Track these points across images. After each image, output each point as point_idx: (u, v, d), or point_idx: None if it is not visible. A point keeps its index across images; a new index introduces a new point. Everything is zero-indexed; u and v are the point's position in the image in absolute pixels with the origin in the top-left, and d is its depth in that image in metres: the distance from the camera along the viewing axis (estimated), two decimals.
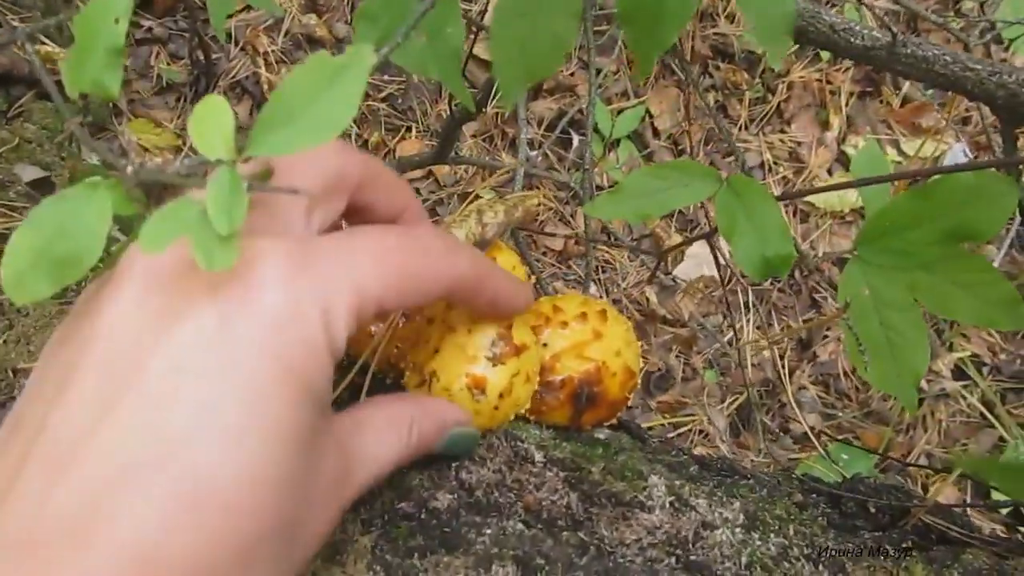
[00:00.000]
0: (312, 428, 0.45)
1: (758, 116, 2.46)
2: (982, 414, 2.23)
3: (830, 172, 2.44)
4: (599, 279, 2.19)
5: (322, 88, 0.46)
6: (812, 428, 2.03)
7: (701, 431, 2.03)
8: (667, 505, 0.65)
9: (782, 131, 2.47)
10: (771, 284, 2.30)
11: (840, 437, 2.10)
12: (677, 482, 0.68)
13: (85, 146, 0.47)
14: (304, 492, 0.46)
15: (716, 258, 0.88)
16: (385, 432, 0.57)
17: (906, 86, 2.50)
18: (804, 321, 2.28)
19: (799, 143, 2.46)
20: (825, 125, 2.48)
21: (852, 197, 2.34)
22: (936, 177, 0.65)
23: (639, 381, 0.76)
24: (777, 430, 2.12)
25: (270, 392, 0.42)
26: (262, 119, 0.46)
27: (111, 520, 0.38)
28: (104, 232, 0.46)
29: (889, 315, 0.69)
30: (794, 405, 1.73)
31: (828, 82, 2.52)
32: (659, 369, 2.10)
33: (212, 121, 0.46)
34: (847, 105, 2.49)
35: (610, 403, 0.74)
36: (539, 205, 0.75)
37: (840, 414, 2.17)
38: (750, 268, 0.68)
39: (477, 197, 0.73)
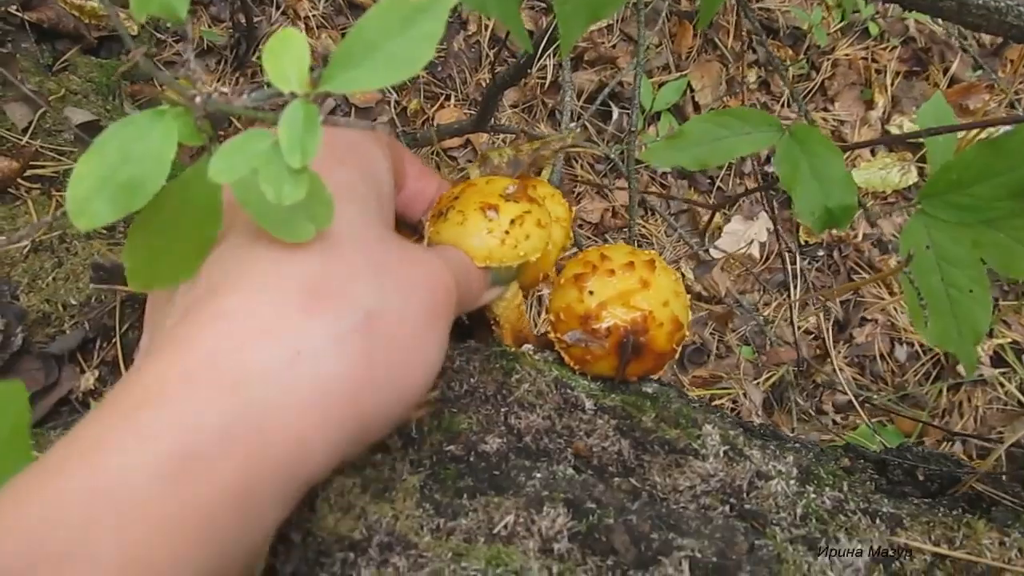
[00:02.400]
0: None
1: (801, 93, 2.42)
2: (1020, 402, 2.20)
3: (873, 152, 2.40)
4: None
5: (400, 27, 0.45)
6: (848, 403, 2.02)
7: (734, 408, 2.01)
8: (721, 454, 0.64)
9: (825, 109, 2.43)
10: (809, 263, 2.27)
11: (875, 419, 2.08)
12: (731, 432, 0.67)
13: (150, 71, 0.46)
14: None
15: (773, 212, 0.86)
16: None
17: (954, 66, 2.45)
18: (841, 302, 2.25)
19: (842, 121, 2.42)
20: (869, 104, 2.44)
21: (895, 177, 2.30)
22: (1007, 129, 0.64)
23: (687, 333, 0.75)
24: (812, 410, 2.10)
25: None
26: (338, 55, 0.45)
27: None
28: (169, 159, 0.46)
29: (951, 271, 0.68)
30: (838, 372, 1.70)
31: (874, 60, 2.47)
32: (694, 344, 2.08)
33: (287, 53, 0.45)
34: (893, 84, 2.45)
35: (657, 354, 0.73)
36: (572, 145, 0.74)
37: (875, 397, 2.14)
38: (811, 220, 0.66)
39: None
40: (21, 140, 0.93)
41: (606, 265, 0.72)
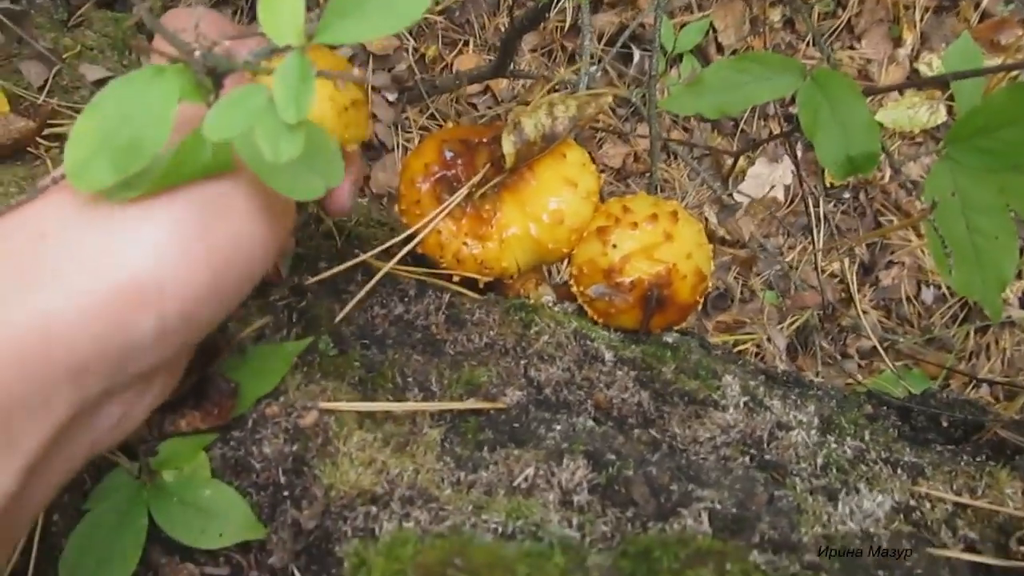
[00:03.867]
0: None
1: (827, 31, 2.37)
2: None
3: (901, 91, 2.34)
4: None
5: None
6: (873, 349, 2.00)
7: (758, 352, 2.00)
8: (741, 405, 0.64)
9: (852, 47, 2.38)
10: (835, 205, 2.24)
11: (901, 362, 2.06)
12: (751, 383, 0.66)
13: (154, 29, 0.45)
14: None
15: (795, 157, 0.85)
16: None
17: (985, 0, 2.38)
18: (867, 244, 2.22)
19: (869, 60, 2.36)
20: (897, 41, 2.37)
21: (923, 117, 2.25)
22: None
23: (710, 284, 0.75)
24: (837, 354, 2.09)
25: None
26: (332, 6, 0.44)
27: None
28: (169, 118, 0.44)
29: (976, 218, 0.66)
30: (863, 316, 1.68)
31: None
32: (717, 289, 2.07)
33: (282, 5, 0.44)
34: (922, 20, 2.38)
35: (680, 306, 0.72)
36: (611, 103, 0.73)
37: (901, 340, 2.13)
38: (833, 167, 0.65)
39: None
40: (38, 99, 0.93)
41: (629, 218, 0.72)
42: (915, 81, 1.27)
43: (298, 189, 0.47)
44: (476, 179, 0.72)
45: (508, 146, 0.69)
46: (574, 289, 0.74)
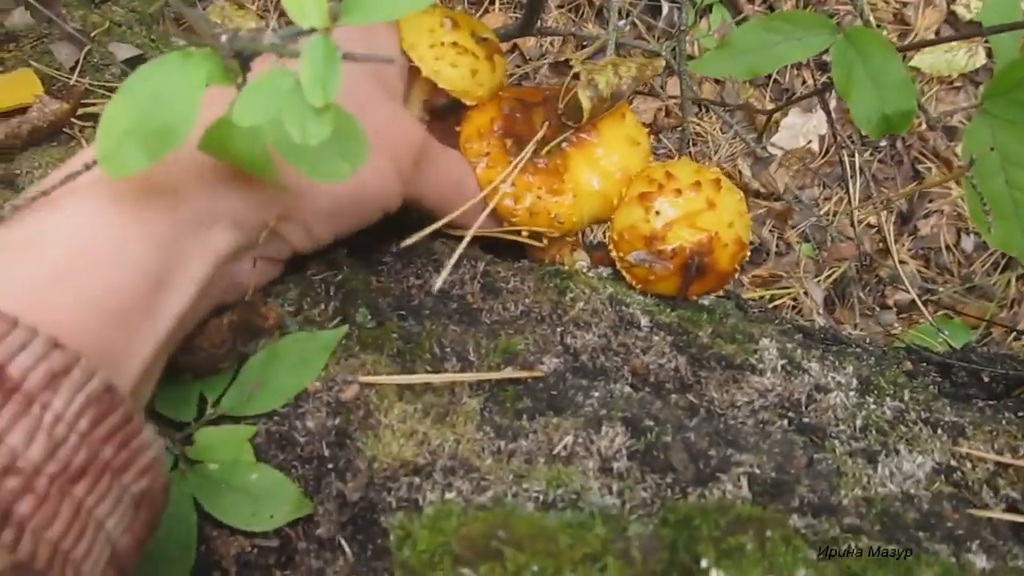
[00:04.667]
0: None
1: None
2: None
3: (938, 34, 2.29)
4: (691, 153, 2.13)
5: None
6: (912, 302, 1.98)
7: (795, 306, 1.99)
8: (779, 368, 0.64)
9: None
10: (871, 154, 2.21)
11: (941, 312, 2.04)
12: (788, 345, 0.66)
13: (180, 10, 0.45)
14: None
15: (829, 114, 0.84)
16: None
17: None
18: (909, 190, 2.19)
19: (905, 3, 2.31)
20: None
21: (961, 61, 2.20)
22: None
23: (748, 253, 0.75)
24: (875, 306, 2.07)
25: None
26: None
27: None
28: (197, 102, 0.45)
29: (1016, 173, 0.65)
30: (899, 268, 1.67)
31: None
32: (752, 243, 2.05)
33: None
34: None
35: (719, 274, 0.72)
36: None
37: (941, 289, 2.10)
38: (868, 126, 0.64)
39: (568, 64, 0.73)
40: (70, 79, 0.94)
41: (672, 184, 0.71)
42: (950, 36, 1.24)
43: (325, 172, 0.48)
44: (539, 135, 0.73)
45: (585, 101, 0.70)
46: (613, 254, 0.74)
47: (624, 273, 0.73)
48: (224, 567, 0.59)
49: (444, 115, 0.76)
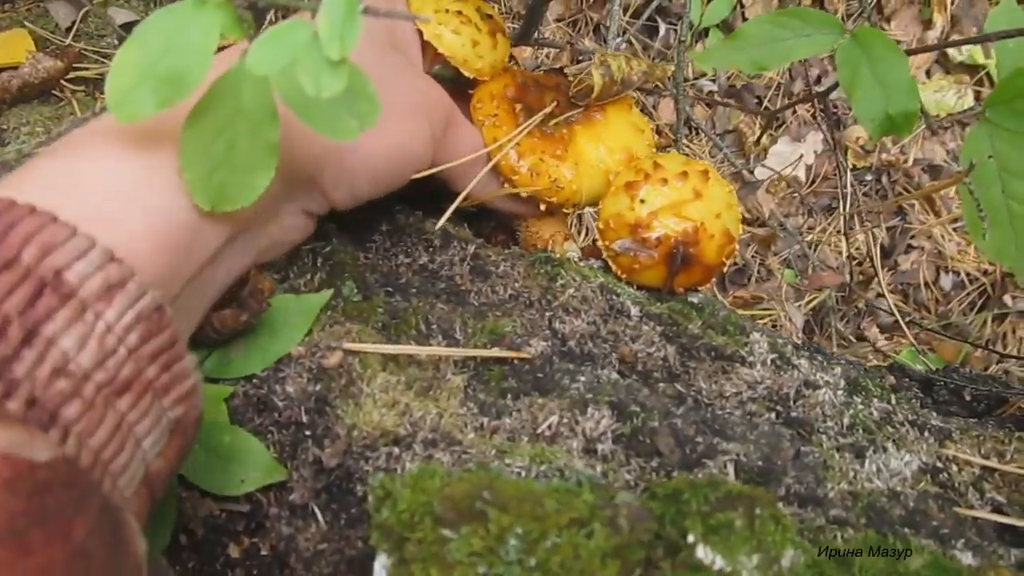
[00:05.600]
0: None
1: (856, 11, 2.34)
2: None
3: (928, 74, 2.32)
4: None
5: None
6: (893, 325, 1.99)
7: (775, 328, 2.00)
8: (769, 362, 0.63)
9: (881, 28, 2.35)
10: (854, 189, 2.22)
11: (920, 346, 2.05)
12: (779, 340, 0.66)
13: None
14: None
15: (829, 118, 0.84)
16: None
17: None
18: (887, 228, 2.21)
19: (898, 41, 2.33)
20: (927, 24, 2.35)
21: (950, 101, 2.23)
22: None
23: (736, 248, 0.74)
24: (851, 336, 2.07)
25: None
26: None
27: None
28: (211, 52, 0.44)
29: (1012, 183, 0.65)
30: (884, 290, 1.68)
31: None
32: (736, 264, 2.06)
33: None
34: (952, 3, 2.35)
35: (706, 266, 0.72)
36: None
37: (919, 323, 2.11)
38: (871, 125, 0.64)
39: (563, 71, 0.75)
40: (65, 41, 0.92)
41: (659, 174, 0.71)
42: (957, 41, 1.25)
43: (334, 129, 0.47)
44: (548, 109, 0.74)
45: (597, 78, 0.72)
46: (599, 243, 0.73)
47: (610, 262, 0.73)
48: (191, 529, 0.57)
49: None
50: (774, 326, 1.96)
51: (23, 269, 0.40)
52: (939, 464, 0.58)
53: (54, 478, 0.36)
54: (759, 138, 1.62)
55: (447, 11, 0.70)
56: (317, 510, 0.55)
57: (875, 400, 0.64)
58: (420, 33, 0.71)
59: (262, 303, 0.59)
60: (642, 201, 0.70)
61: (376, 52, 0.63)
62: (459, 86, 0.75)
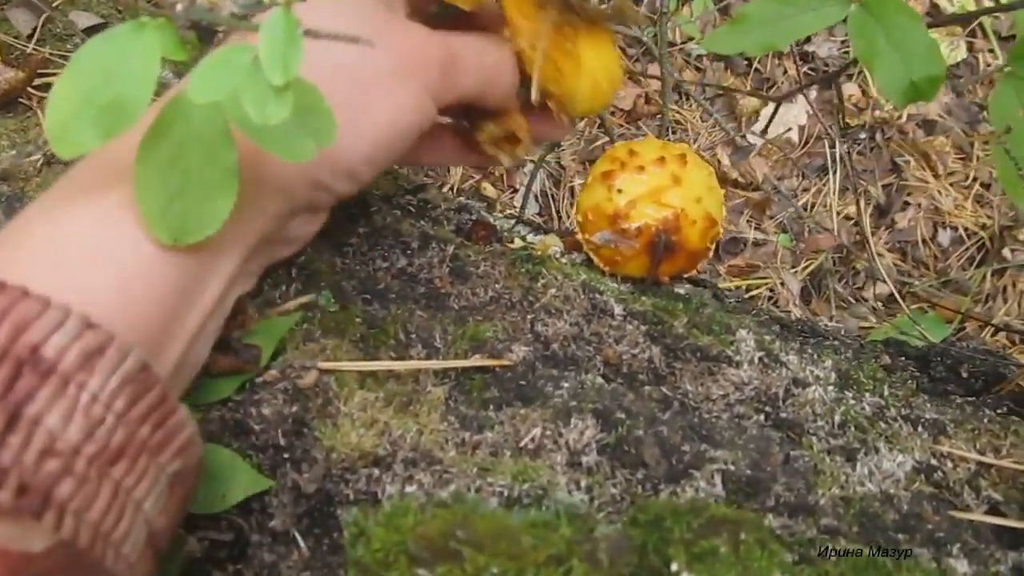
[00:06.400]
0: None
1: None
2: None
3: (963, 27, 2.28)
4: (670, 140, 2.11)
5: None
6: (888, 295, 1.97)
7: (771, 297, 1.98)
8: (756, 361, 0.62)
9: None
10: (849, 148, 2.20)
11: (916, 306, 2.04)
12: (767, 337, 0.64)
13: None
14: None
15: (840, 98, 0.81)
16: None
17: None
18: (883, 186, 2.18)
19: None
20: None
21: (944, 53, 2.19)
22: None
23: (721, 230, 0.73)
24: (850, 298, 2.06)
25: None
26: None
27: None
28: (153, 76, 0.42)
29: None
30: (878, 259, 1.66)
31: None
32: (730, 232, 2.04)
33: None
34: None
35: (690, 253, 0.70)
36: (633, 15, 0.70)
37: (916, 283, 2.10)
38: (896, 94, 0.62)
39: None
40: (27, 48, 0.90)
41: (635, 161, 0.69)
42: (984, 10, 1.21)
43: (290, 151, 0.45)
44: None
45: None
46: (580, 237, 0.72)
47: (591, 255, 0.71)
48: None
49: (439, 25, 0.72)
50: (771, 293, 1.94)
51: None
52: (933, 462, 0.57)
53: (53, 566, 0.35)
54: (773, 114, 1.59)
55: None
56: (298, 536, 0.54)
57: (867, 394, 0.62)
58: None
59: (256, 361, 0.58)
60: (619, 191, 0.69)
61: (359, 15, 0.58)
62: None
